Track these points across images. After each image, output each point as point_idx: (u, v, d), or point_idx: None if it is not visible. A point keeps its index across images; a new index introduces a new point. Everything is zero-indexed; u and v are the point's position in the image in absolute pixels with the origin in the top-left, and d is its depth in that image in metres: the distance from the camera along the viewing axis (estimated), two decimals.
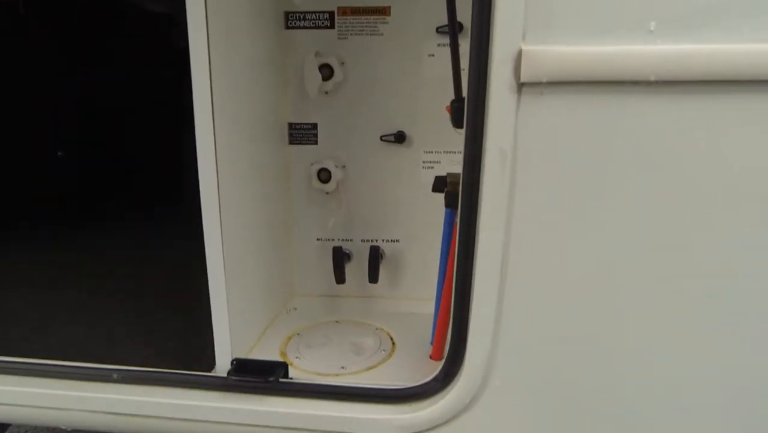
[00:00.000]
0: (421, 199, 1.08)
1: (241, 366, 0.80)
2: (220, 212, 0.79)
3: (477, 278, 0.69)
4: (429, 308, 0.96)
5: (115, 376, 0.80)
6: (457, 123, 0.70)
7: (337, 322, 1.11)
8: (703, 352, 0.68)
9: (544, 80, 0.59)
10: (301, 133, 1.10)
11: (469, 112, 0.64)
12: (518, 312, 0.70)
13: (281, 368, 0.80)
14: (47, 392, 0.78)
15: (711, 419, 0.70)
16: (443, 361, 0.76)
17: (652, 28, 0.56)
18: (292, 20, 1.05)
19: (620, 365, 0.70)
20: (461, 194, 0.68)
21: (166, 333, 1.00)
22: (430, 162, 1.07)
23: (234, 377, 0.77)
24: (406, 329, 1.05)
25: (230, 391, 0.78)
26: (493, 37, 0.59)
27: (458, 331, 0.73)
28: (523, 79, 0.59)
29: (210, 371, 0.84)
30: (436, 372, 0.75)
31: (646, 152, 0.60)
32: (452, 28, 0.70)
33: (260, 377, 0.77)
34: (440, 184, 0.83)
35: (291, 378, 0.81)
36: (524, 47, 0.59)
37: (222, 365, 0.83)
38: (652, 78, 0.57)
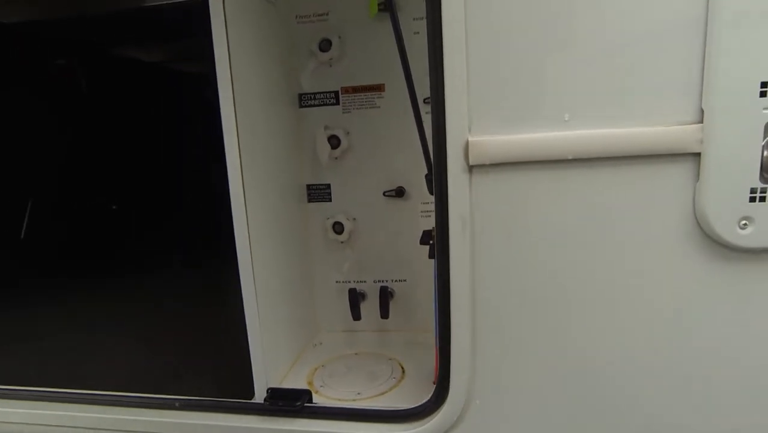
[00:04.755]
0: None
1: (274, 394, 0.98)
2: (252, 264, 0.99)
3: (453, 315, 0.85)
4: (433, 338, 1.12)
5: (177, 404, 1.00)
6: (430, 191, 0.87)
7: (356, 354, 1.28)
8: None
9: (488, 162, 0.76)
10: (317, 193, 1.30)
11: (436, 185, 0.82)
12: (490, 343, 0.85)
13: (306, 394, 0.98)
14: (121, 418, 0.99)
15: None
16: (435, 386, 0.92)
17: (566, 119, 0.73)
18: (305, 100, 1.26)
19: (582, 379, 0.84)
20: (436, 249, 0.85)
21: (216, 368, 1.20)
22: (427, 211, 1.25)
23: (269, 403, 0.96)
24: (414, 358, 1.22)
25: (266, 415, 0.96)
26: (446, 130, 0.77)
27: (443, 360, 0.89)
28: (471, 162, 0.77)
29: (250, 398, 1.03)
30: (429, 396, 0.91)
31: (567, 212, 0.75)
32: (417, 116, 0.89)
33: (290, 402, 0.96)
34: (426, 238, 1.00)
35: (315, 403, 0.99)
36: (470, 138, 0.76)
37: (260, 393, 1.02)
38: (570, 156, 0.73)
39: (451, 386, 0.87)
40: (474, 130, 0.76)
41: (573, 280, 0.78)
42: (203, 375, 1.18)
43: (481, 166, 0.77)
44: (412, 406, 0.93)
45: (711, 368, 0.78)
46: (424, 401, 0.91)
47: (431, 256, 0.93)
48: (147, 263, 2.10)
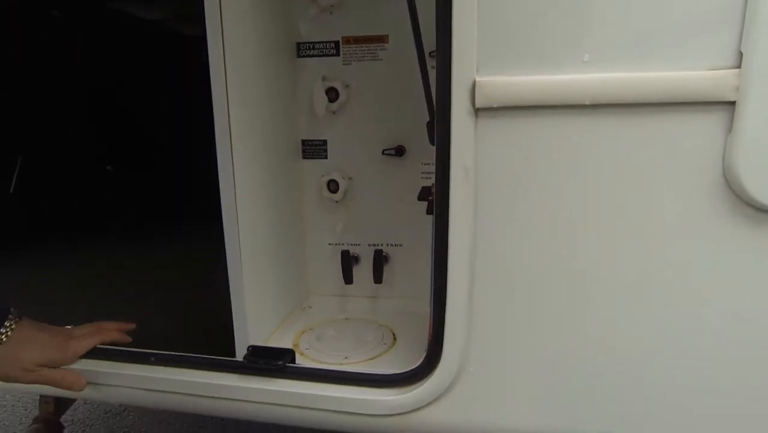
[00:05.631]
0: (420, 207, 1.17)
1: (255, 352, 0.93)
2: (237, 219, 0.93)
3: (450, 277, 0.79)
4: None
5: (152, 359, 0.95)
6: (431, 140, 0.80)
7: (346, 319, 1.23)
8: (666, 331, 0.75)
9: (495, 106, 0.69)
10: (313, 149, 1.23)
11: (437, 132, 0.75)
12: (489, 306, 0.79)
13: (289, 354, 0.93)
14: (88, 369, 0.94)
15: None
16: (426, 351, 0.86)
17: (586, 59, 0.66)
18: (303, 50, 1.18)
19: (585, 347, 0.78)
20: (435, 203, 0.78)
21: (201, 326, 1.15)
22: (428, 173, 1.18)
23: (249, 361, 0.90)
24: (407, 327, 1.16)
25: (246, 373, 0.91)
26: (452, 70, 0.70)
27: (437, 324, 0.83)
28: (477, 105, 0.69)
29: (232, 356, 0.98)
30: (420, 361, 0.85)
31: (581, 165, 0.69)
32: (420, 55, 0.81)
33: (271, 361, 0.90)
34: (425, 194, 0.94)
35: (298, 364, 0.93)
36: (478, 78, 0.69)
37: (241, 351, 0.96)
38: (587, 102, 0.66)
39: (444, 351, 0.81)
40: (482, 69, 0.69)
41: (582, 239, 0.72)
42: (188, 333, 1.14)
43: (489, 110, 0.70)
44: (400, 371, 0.88)
45: (734, 344, 0.72)
46: (414, 365, 0.86)
47: (429, 211, 0.87)
48: (136, 221, 2.06)
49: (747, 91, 0.62)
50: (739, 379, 0.73)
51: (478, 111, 0.70)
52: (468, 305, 0.79)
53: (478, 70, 0.69)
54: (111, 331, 1.00)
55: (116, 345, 0.99)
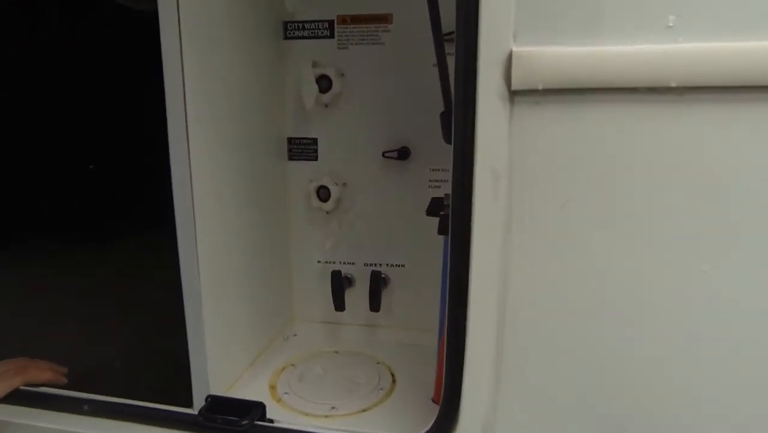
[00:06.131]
0: (428, 221, 0.98)
1: (215, 404, 0.73)
2: (195, 235, 0.74)
3: (471, 316, 0.59)
4: (435, 341, 0.86)
5: (85, 407, 0.75)
6: (447, 138, 0.61)
7: (336, 352, 1.03)
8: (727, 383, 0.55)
9: (540, 87, 0.49)
10: (301, 149, 1.04)
11: (456, 125, 0.55)
12: (523, 357, 0.59)
13: (258, 408, 0.73)
14: (8, 420, 0.74)
15: None
16: (438, 410, 0.66)
17: (671, 24, 0.46)
18: (291, 30, 0.99)
19: (643, 413, 0.59)
20: (451, 221, 0.59)
21: (150, 363, 0.95)
22: (437, 180, 0.98)
23: (204, 417, 0.70)
24: (409, 364, 0.96)
25: (200, 431, 0.71)
26: (479, 36, 0.51)
27: (452, 374, 0.63)
28: (515, 86, 0.50)
29: (189, 406, 0.78)
30: (428, 427, 0.65)
31: (664, 170, 0.49)
32: (435, 22, 0.62)
33: (233, 417, 0.70)
34: (435, 207, 0.74)
35: (269, 420, 0.73)
36: (515, 48, 0.49)
37: (198, 402, 0.76)
38: (673, 83, 0.46)
39: (461, 414, 0.61)
40: (522, 36, 0.50)
41: (651, 271, 0.52)
42: (135, 373, 0.93)
43: (530, 93, 0.50)
44: None
45: None
46: (421, 431, 0.66)
47: (442, 230, 0.67)
48: (77, 228, 1.83)
49: None
50: None
51: (514, 94, 0.51)
52: (496, 356, 0.59)
53: (516, 37, 0.50)
54: (40, 369, 0.80)
55: (47, 387, 0.79)
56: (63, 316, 1.16)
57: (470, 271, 0.58)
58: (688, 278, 0.52)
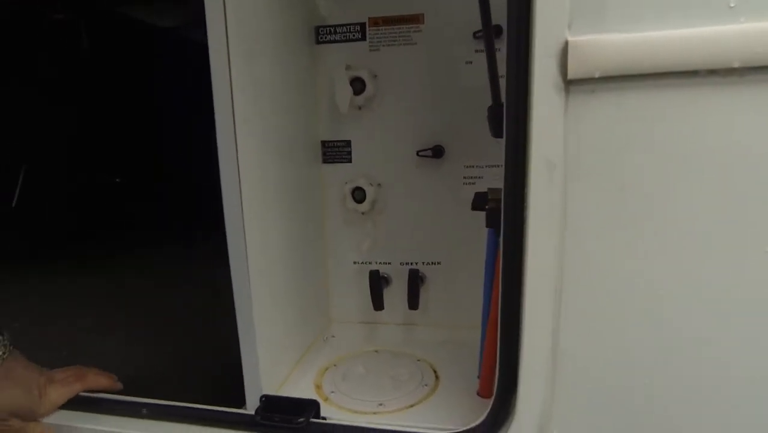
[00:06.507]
0: (463, 218, 0.99)
1: (270, 404, 0.74)
2: (245, 238, 0.75)
3: (527, 307, 0.60)
4: (476, 336, 0.86)
5: (144, 411, 0.76)
6: (496, 132, 0.62)
7: (376, 351, 1.03)
8: None
9: (597, 75, 0.50)
10: (335, 151, 1.05)
11: (508, 118, 0.56)
12: (579, 347, 0.60)
13: (313, 406, 0.74)
14: (72, 425, 0.75)
15: None
16: (491, 402, 0.66)
17: (732, 4, 0.47)
18: (323, 34, 1.01)
19: (707, 408, 0.58)
20: (503, 213, 0.59)
21: (200, 364, 0.96)
22: (472, 177, 0.99)
23: (261, 417, 0.71)
24: (450, 361, 0.96)
25: (259, 431, 0.72)
26: (533, 28, 0.51)
27: (507, 369, 0.64)
28: (570, 75, 0.51)
29: (240, 407, 0.79)
30: (484, 416, 0.65)
31: (727, 155, 0.49)
32: (486, 21, 0.63)
33: (290, 417, 0.71)
34: (481, 201, 0.75)
35: (323, 418, 0.74)
36: (571, 38, 0.50)
37: (252, 402, 0.78)
38: (736, 64, 0.46)
39: (518, 407, 0.61)
40: (577, 25, 0.50)
41: (711, 260, 0.52)
42: (189, 377, 0.95)
43: (586, 81, 0.51)
44: (456, 429, 0.68)
45: None
46: (475, 423, 0.66)
47: (491, 223, 0.68)
48: (137, 244, 1.88)
49: None
50: None
51: (570, 84, 0.51)
52: (552, 347, 0.59)
53: (571, 26, 0.50)
54: (98, 376, 0.82)
55: (104, 393, 0.81)
56: (112, 324, 1.18)
57: (525, 262, 0.58)
58: (750, 267, 0.52)
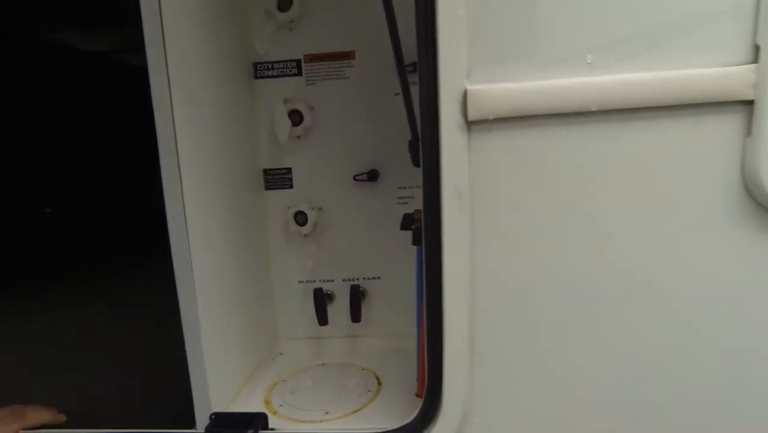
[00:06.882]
0: (399, 235, 1.07)
1: (219, 421, 0.79)
2: (191, 266, 0.80)
3: (446, 313, 0.69)
4: (415, 343, 0.95)
5: None
6: (415, 162, 0.71)
7: (322, 365, 1.09)
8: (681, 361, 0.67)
9: (491, 117, 0.60)
10: (276, 178, 1.11)
11: (423, 151, 0.65)
12: (492, 346, 0.69)
13: (261, 419, 0.79)
14: None
15: None
16: (422, 399, 0.75)
17: (589, 61, 0.58)
18: (261, 70, 1.08)
19: (604, 392, 0.69)
20: (423, 233, 0.68)
21: (154, 391, 0.99)
22: (405, 198, 1.09)
23: None
24: (392, 367, 1.04)
25: None
26: (439, 78, 0.61)
27: (433, 369, 0.72)
28: (470, 117, 0.61)
29: (191, 426, 0.83)
30: (416, 413, 0.74)
31: (590, 178, 0.61)
32: (400, 62, 0.72)
33: (238, 430, 0.76)
34: (408, 221, 0.84)
35: (272, 429, 0.80)
36: (469, 87, 0.60)
37: (202, 421, 0.82)
38: (593, 108, 0.58)
39: (443, 401, 0.70)
40: (474, 76, 0.61)
41: (595, 260, 0.63)
42: (137, 399, 0.97)
43: (483, 122, 0.61)
44: (394, 427, 0.76)
45: (756, 364, 0.65)
46: (409, 419, 0.74)
47: (416, 241, 0.77)
48: (82, 269, 1.85)
49: (766, 88, 0.56)
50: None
51: (471, 124, 0.61)
52: (469, 347, 0.68)
53: (469, 76, 0.61)
54: (38, 411, 0.82)
55: (47, 428, 0.82)
56: (58, 355, 1.17)
57: (443, 274, 0.67)
58: (624, 264, 0.64)
